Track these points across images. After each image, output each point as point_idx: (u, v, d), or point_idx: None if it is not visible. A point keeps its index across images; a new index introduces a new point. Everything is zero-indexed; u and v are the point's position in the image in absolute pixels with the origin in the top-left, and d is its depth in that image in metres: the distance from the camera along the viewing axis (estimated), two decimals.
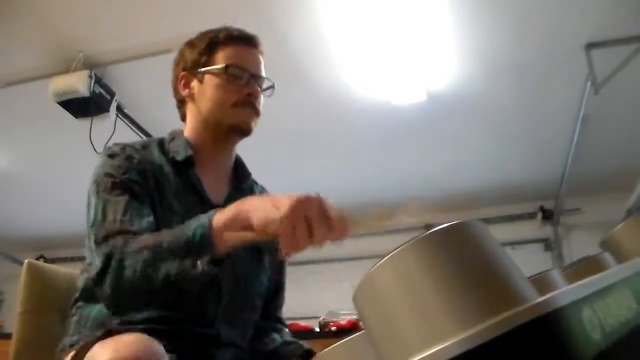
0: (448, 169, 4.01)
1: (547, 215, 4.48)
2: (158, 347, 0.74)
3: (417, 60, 2.83)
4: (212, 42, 1.16)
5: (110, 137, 3.00)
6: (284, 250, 0.79)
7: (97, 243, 0.93)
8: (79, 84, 2.73)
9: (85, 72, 2.75)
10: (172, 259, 0.85)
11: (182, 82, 1.18)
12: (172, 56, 2.96)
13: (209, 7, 2.49)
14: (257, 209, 0.81)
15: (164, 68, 2.78)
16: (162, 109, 3.22)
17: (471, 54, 2.81)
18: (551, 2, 2.48)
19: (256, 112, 1.14)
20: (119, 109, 3.08)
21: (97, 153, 2.93)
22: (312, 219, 0.77)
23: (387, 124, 3.41)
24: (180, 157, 1.11)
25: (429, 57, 2.81)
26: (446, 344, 0.27)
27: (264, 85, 1.18)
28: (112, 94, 2.94)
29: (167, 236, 0.88)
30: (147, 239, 0.89)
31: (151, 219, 0.98)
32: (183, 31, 2.56)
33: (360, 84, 3.02)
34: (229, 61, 1.13)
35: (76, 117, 2.94)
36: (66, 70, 2.79)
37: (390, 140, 3.62)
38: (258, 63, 1.17)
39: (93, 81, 2.77)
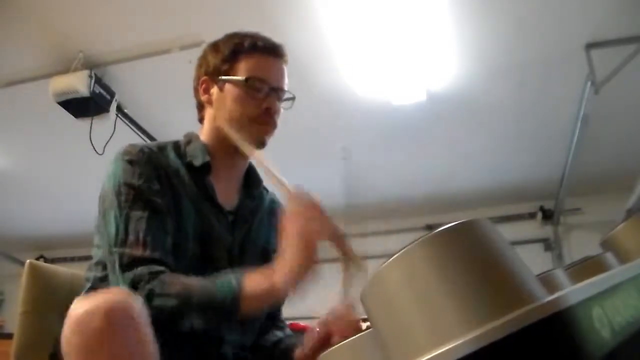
0: (448, 169, 4.01)
1: (547, 215, 4.48)
2: (134, 300, 0.76)
3: (417, 60, 2.83)
4: (235, 50, 1.13)
5: (110, 137, 3.00)
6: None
7: (122, 267, 0.94)
8: (79, 84, 2.73)
9: (85, 72, 2.75)
10: (198, 314, 0.89)
11: (203, 86, 1.16)
12: (172, 56, 2.97)
13: (209, 7, 2.49)
14: (285, 275, 0.87)
15: (164, 68, 2.81)
16: (162, 109, 3.23)
17: (471, 54, 2.81)
18: (551, 2, 2.48)
19: (273, 127, 1.13)
20: (119, 109, 3.07)
21: (98, 153, 2.94)
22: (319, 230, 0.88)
23: (387, 124, 3.41)
24: (198, 162, 1.10)
25: (429, 57, 2.81)
26: (456, 343, 0.27)
27: (285, 96, 1.17)
28: (112, 94, 2.93)
29: (196, 289, 0.90)
30: (176, 284, 0.90)
31: (170, 236, 0.99)
32: (183, 31, 2.61)
33: (360, 84, 3.02)
34: (251, 73, 1.10)
35: (76, 117, 2.93)
36: (66, 70, 2.79)
37: (390, 140, 3.62)
38: (280, 75, 1.15)
39: (93, 81, 2.76)
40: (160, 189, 1.02)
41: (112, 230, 0.98)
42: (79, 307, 0.73)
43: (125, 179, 1.01)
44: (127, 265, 0.94)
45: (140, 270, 0.92)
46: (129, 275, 0.92)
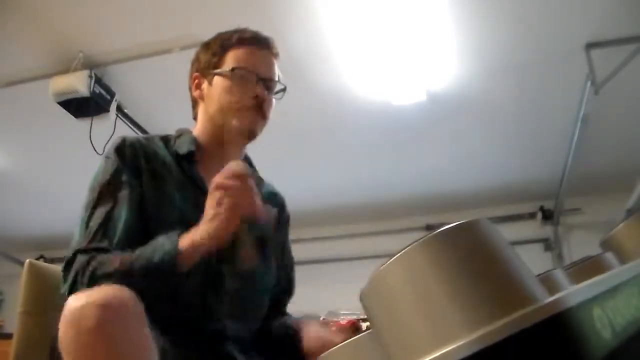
0: (448, 169, 4.01)
1: (547, 215, 4.48)
2: (130, 295, 0.76)
3: (417, 60, 2.83)
4: (223, 44, 1.16)
5: (110, 137, 2.99)
6: (254, 217, 0.97)
7: (64, 268, 0.95)
8: (79, 84, 2.73)
9: (85, 72, 2.75)
10: (141, 281, 0.88)
11: (195, 82, 1.19)
12: (172, 56, 2.98)
13: (209, 7, 2.49)
14: (206, 230, 0.93)
15: (164, 68, 2.82)
16: (162, 109, 3.23)
17: (471, 54, 2.81)
18: (551, 2, 2.48)
19: (262, 116, 1.14)
20: (119, 109, 3.07)
21: (98, 153, 2.94)
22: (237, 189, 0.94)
23: (387, 124, 3.41)
24: (182, 150, 1.12)
25: (429, 57, 2.81)
26: (457, 345, 0.27)
27: (276, 88, 1.18)
28: (112, 94, 2.93)
29: (134, 258, 0.91)
30: (114, 260, 0.91)
31: (128, 227, 1.00)
32: (183, 31, 2.61)
33: (360, 84, 3.02)
34: (237, 63, 1.13)
35: (76, 117, 2.93)
36: (66, 70, 2.79)
37: (390, 140, 3.62)
38: (268, 65, 1.16)
39: (93, 81, 2.76)
40: (129, 179, 1.03)
41: (76, 232, 1.00)
42: (74, 302, 0.74)
43: (101, 178, 1.04)
44: (69, 262, 0.95)
45: (79, 259, 0.93)
46: (69, 274, 0.93)
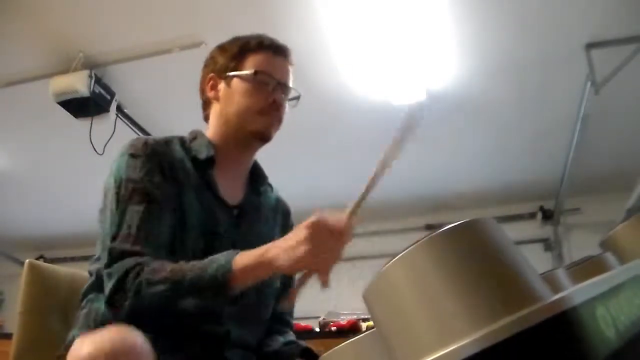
0: (448, 169, 4.01)
1: (547, 215, 4.48)
2: (138, 339, 0.75)
3: (417, 60, 2.83)
4: (243, 48, 1.17)
5: (110, 137, 2.99)
6: (321, 279, 0.92)
7: (110, 262, 0.94)
8: (79, 84, 2.73)
9: (85, 72, 2.75)
10: (190, 294, 0.89)
11: (210, 83, 1.19)
12: (172, 56, 2.97)
13: (209, 7, 2.48)
14: (280, 253, 0.87)
15: (164, 68, 2.81)
16: (162, 109, 3.23)
17: (471, 54, 2.80)
18: (551, 2, 2.48)
19: (278, 120, 1.16)
20: (119, 109, 3.07)
21: (98, 153, 2.94)
22: (331, 242, 0.89)
23: (387, 124, 3.40)
24: (202, 155, 1.12)
25: (429, 57, 2.81)
26: (461, 343, 0.27)
27: (290, 95, 1.21)
28: (112, 94, 2.93)
29: (186, 270, 0.91)
30: (165, 269, 0.91)
31: (166, 229, 0.99)
32: (183, 31, 2.61)
33: (360, 83, 3.02)
34: (259, 67, 1.14)
35: (76, 117, 2.93)
36: (66, 70, 2.79)
37: (389, 140, 3.61)
38: (286, 72, 1.20)
39: (93, 81, 2.76)
40: (161, 182, 1.03)
41: (107, 226, 1.00)
42: (81, 348, 0.71)
43: (128, 174, 1.02)
44: (115, 258, 0.94)
45: (127, 262, 0.93)
46: (117, 268, 0.93)
